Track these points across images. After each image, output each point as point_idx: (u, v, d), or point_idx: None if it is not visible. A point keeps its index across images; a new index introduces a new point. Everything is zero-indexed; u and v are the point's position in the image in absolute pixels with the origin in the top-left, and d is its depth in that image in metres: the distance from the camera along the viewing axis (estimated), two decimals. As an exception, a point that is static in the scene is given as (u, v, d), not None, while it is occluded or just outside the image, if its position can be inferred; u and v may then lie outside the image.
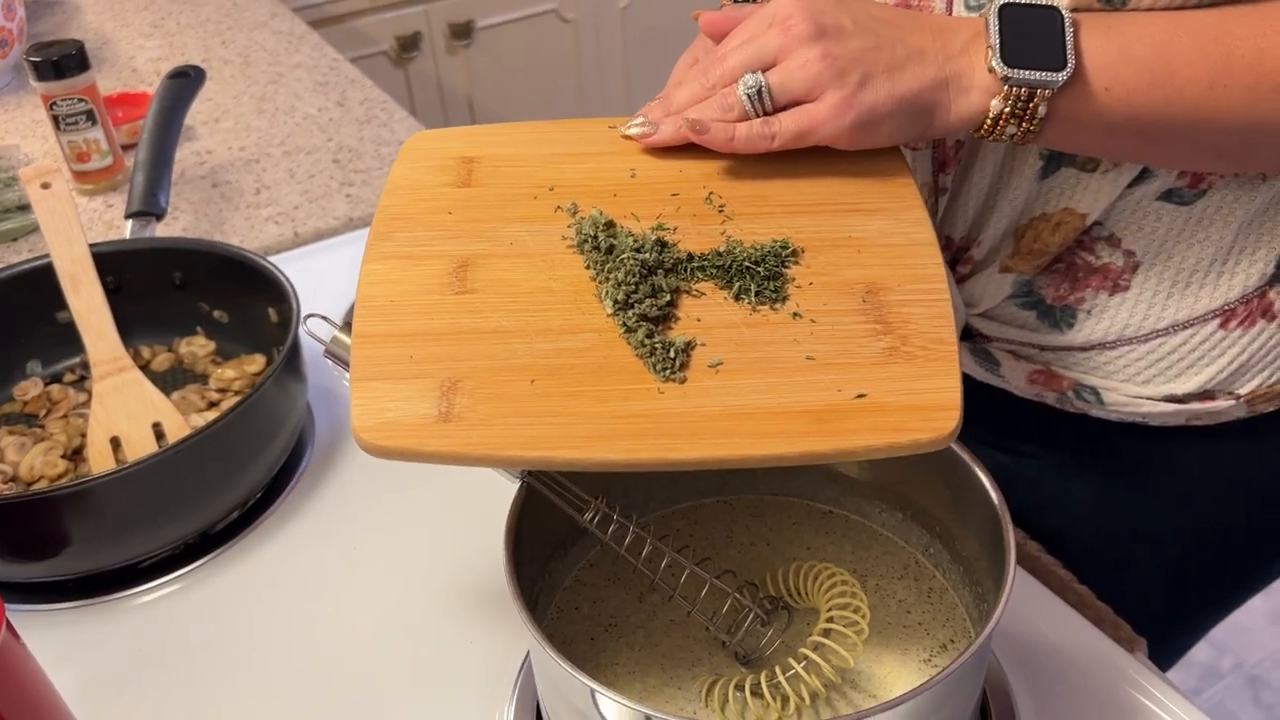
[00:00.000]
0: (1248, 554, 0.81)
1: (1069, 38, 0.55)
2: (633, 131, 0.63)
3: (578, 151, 0.64)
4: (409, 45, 2.32)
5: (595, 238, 0.59)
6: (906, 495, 0.67)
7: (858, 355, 0.53)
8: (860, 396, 0.52)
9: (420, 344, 0.55)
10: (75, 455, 0.85)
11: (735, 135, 0.59)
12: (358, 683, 0.70)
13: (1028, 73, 0.55)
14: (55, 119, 1.19)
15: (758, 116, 0.59)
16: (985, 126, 0.58)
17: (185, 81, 1.08)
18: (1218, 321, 0.67)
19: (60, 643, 0.74)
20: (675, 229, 0.60)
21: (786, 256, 0.58)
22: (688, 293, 0.57)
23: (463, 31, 2.35)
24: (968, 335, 0.76)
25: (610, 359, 0.54)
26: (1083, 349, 0.70)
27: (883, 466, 0.67)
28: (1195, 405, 0.71)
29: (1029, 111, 0.56)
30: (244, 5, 1.71)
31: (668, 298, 0.56)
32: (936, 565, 0.66)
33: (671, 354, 0.54)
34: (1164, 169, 0.63)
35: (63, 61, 1.15)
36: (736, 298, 0.57)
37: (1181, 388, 0.70)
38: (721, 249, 0.58)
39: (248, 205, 1.21)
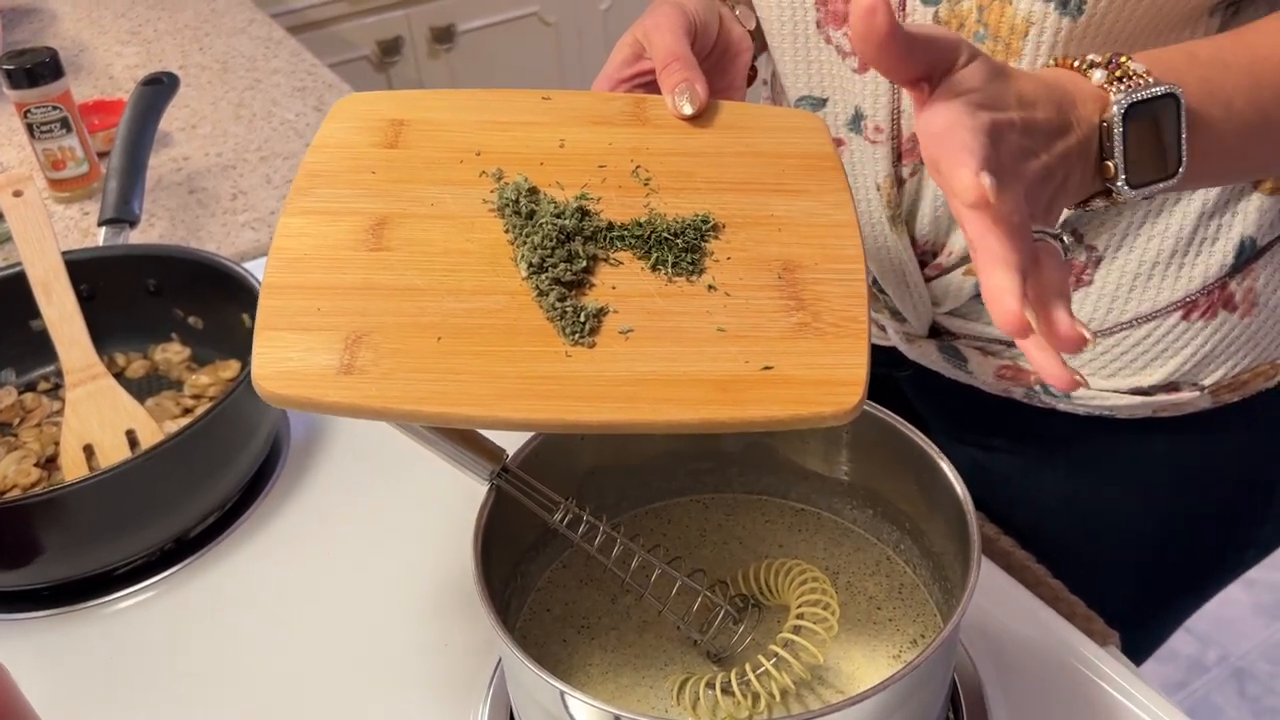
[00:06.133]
0: (1218, 541, 0.81)
1: (1185, 139, 0.50)
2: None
3: (508, 120, 0.64)
4: (390, 50, 2.32)
5: (517, 202, 0.59)
6: (877, 492, 0.67)
7: (768, 329, 0.53)
8: (767, 368, 0.52)
9: (329, 297, 0.55)
10: (49, 463, 0.85)
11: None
12: (332, 687, 0.70)
13: (1143, 189, 0.50)
14: (29, 127, 1.18)
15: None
16: (1072, 209, 0.53)
17: (159, 88, 1.07)
18: (1180, 313, 0.68)
19: (33, 652, 0.74)
20: (599, 199, 0.60)
21: (706, 230, 0.58)
22: (605, 261, 0.57)
23: (444, 35, 2.35)
24: (935, 333, 0.76)
25: (520, 321, 0.54)
26: None
27: (853, 463, 0.67)
28: (1161, 397, 0.71)
29: (1117, 200, 0.51)
30: (222, 11, 1.71)
31: (583, 264, 0.56)
32: (907, 561, 0.66)
33: (582, 318, 0.54)
34: None
35: (36, 69, 1.15)
36: (654, 268, 0.57)
37: (1147, 380, 0.70)
38: (643, 220, 0.58)
39: (224, 211, 1.21)
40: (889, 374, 0.83)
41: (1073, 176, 0.49)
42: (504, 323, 0.54)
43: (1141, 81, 0.50)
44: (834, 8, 0.68)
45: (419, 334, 0.53)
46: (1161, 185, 0.51)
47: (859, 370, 0.51)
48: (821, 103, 0.73)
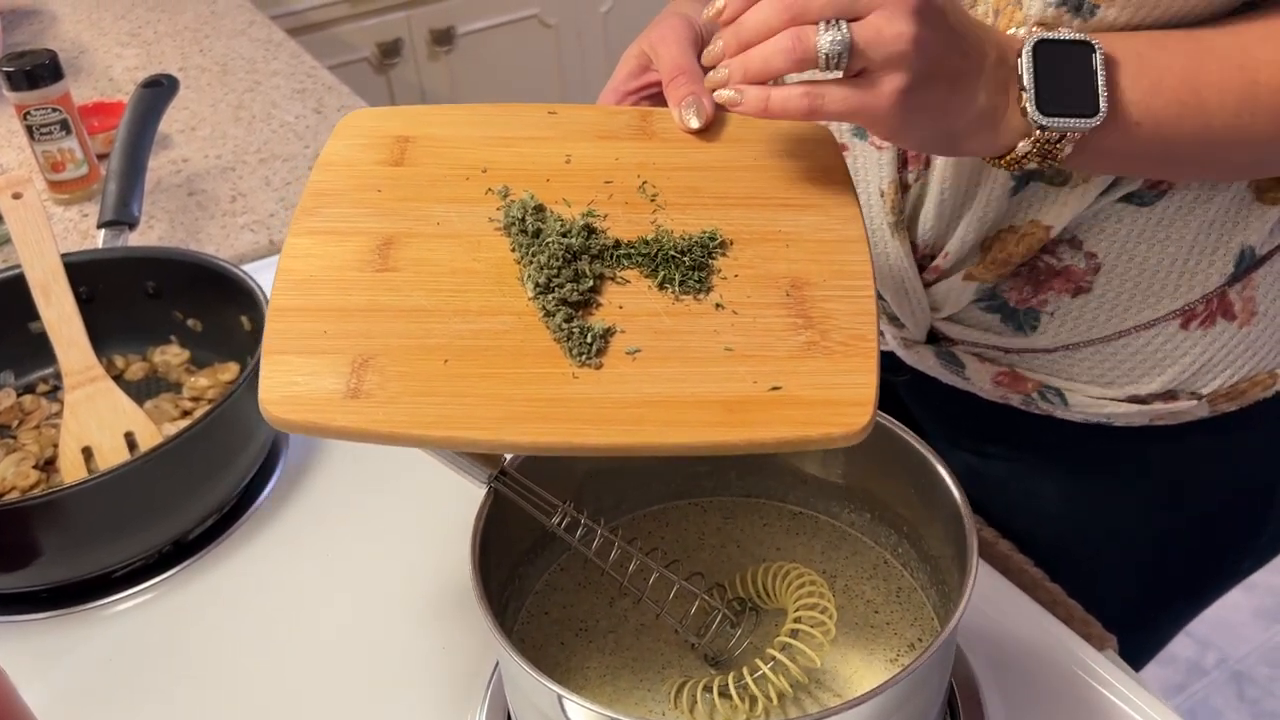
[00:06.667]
0: (1215, 549, 0.81)
1: (1102, 79, 0.54)
2: (723, 97, 0.55)
3: (513, 135, 0.64)
4: (390, 52, 2.32)
5: (523, 220, 0.59)
6: (875, 495, 0.67)
7: (776, 348, 0.53)
8: (775, 389, 0.52)
9: (335, 320, 0.55)
10: (48, 466, 0.85)
11: (770, 103, 0.53)
12: (330, 689, 0.70)
13: (1061, 120, 0.53)
14: (29, 129, 1.18)
15: (824, 71, 0.52)
16: (1007, 159, 0.56)
17: (158, 90, 1.08)
18: (1178, 322, 0.68)
19: (32, 654, 0.74)
20: (606, 216, 0.60)
21: (714, 248, 0.58)
22: (612, 280, 0.57)
23: (444, 37, 2.36)
24: (933, 339, 0.76)
25: (527, 342, 0.54)
26: (1046, 351, 0.71)
27: (851, 467, 0.67)
28: (1158, 405, 0.71)
29: (1053, 150, 0.55)
30: (222, 13, 1.71)
31: (590, 283, 0.56)
32: (905, 565, 0.66)
33: (589, 339, 0.54)
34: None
35: (36, 71, 1.15)
36: (660, 287, 0.56)
37: (1144, 388, 0.70)
38: (650, 238, 0.58)
39: (224, 213, 1.21)
40: (886, 379, 0.83)
41: (970, 81, 0.53)
42: (511, 344, 0.54)
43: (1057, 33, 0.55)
44: None
45: (426, 356, 0.53)
46: (1078, 122, 0.53)
47: (868, 390, 0.51)
48: None
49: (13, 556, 0.74)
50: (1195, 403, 0.71)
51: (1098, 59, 0.54)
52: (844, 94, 0.52)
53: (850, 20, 0.50)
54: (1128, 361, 0.70)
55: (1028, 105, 0.53)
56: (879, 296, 0.75)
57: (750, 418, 0.51)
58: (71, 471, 0.82)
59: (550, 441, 0.51)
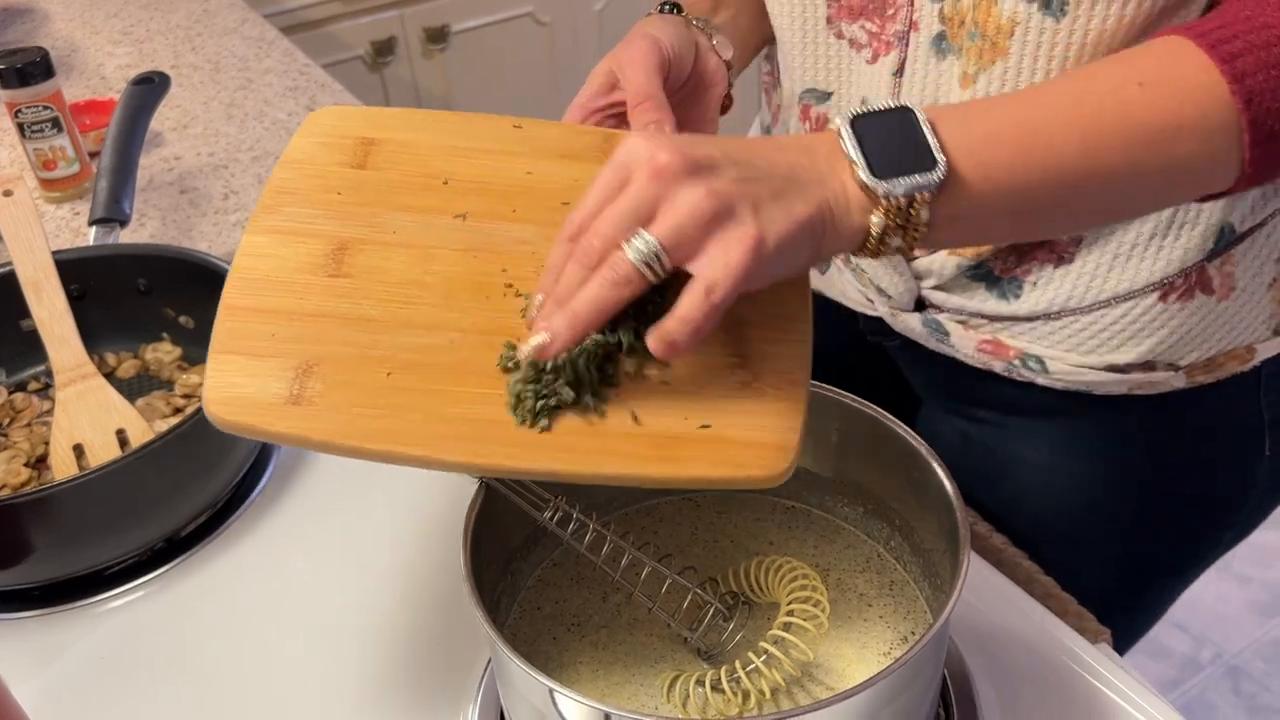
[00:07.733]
0: (1195, 523, 0.82)
1: (930, 136, 0.52)
2: (526, 350, 0.52)
3: (478, 147, 0.64)
4: (384, 50, 2.31)
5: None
6: (867, 489, 0.67)
7: (710, 386, 0.54)
8: (705, 427, 0.53)
9: (284, 322, 0.55)
10: (39, 463, 0.85)
11: (691, 323, 0.50)
12: (322, 686, 0.70)
13: (900, 180, 0.51)
14: (20, 127, 1.18)
15: (654, 281, 0.51)
16: (870, 244, 0.53)
17: (150, 87, 1.07)
18: (1157, 294, 0.69)
19: (24, 651, 0.73)
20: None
21: (662, 287, 0.56)
22: None
23: (438, 35, 2.35)
24: (919, 306, 0.77)
25: (469, 361, 0.54)
26: (1028, 319, 0.72)
27: (843, 461, 0.67)
28: (1136, 375, 0.72)
29: (911, 220, 0.52)
30: (214, 11, 1.70)
31: (555, 402, 0.54)
32: (898, 558, 0.66)
33: (538, 409, 0.53)
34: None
35: (27, 69, 1.15)
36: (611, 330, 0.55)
37: (1122, 358, 0.71)
38: None
39: (216, 211, 1.21)
40: (879, 343, 0.84)
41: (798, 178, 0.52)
42: (453, 361, 0.54)
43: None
44: (846, 1, 0.69)
45: (369, 367, 0.54)
46: (918, 179, 0.51)
47: (792, 435, 0.53)
48: (826, 96, 0.74)
49: (4, 554, 0.74)
50: (1172, 374, 0.72)
51: (920, 118, 0.52)
52: (722, 273, 0.49)
53: (646, 225, 0.50)
54: (1106, 331, 0.71)
55: (861, 174, 0.51)
56: (862, 270, 0.76)
57: (676, 454, 0.52)
58: (63, 469, 0.82)
59: (485, 463, 0.52)
